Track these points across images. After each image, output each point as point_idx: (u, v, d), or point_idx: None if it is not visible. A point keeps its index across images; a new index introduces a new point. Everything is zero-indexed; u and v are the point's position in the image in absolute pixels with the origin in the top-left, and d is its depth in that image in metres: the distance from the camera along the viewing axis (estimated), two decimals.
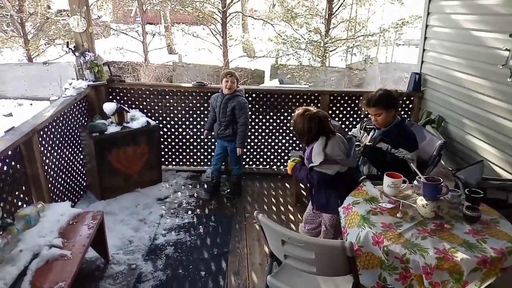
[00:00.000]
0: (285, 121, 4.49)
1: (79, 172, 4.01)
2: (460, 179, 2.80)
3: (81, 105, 4.06)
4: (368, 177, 2.75)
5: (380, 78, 13.06)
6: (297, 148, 4.59)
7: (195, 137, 4.58)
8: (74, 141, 3.87)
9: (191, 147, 4.63)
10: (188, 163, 4.72)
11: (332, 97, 4.42)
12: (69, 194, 3.73)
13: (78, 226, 2.70)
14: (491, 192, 2.61)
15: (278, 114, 4.48)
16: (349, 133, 3.35)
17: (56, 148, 3.47)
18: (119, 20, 18.35)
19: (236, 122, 3.84)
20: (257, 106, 4.46)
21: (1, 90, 12.66)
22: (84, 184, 4.13)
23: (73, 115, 3.87)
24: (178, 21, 17.47)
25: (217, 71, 12.56)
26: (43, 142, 3.22)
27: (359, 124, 3.20)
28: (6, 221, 2.34)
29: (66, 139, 3.70)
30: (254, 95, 4.44)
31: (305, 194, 4.24)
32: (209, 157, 4.66)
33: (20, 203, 2.86)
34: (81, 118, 4.05)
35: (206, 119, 4.42)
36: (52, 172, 3.36)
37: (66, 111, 3.69)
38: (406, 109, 4.44)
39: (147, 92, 4.42)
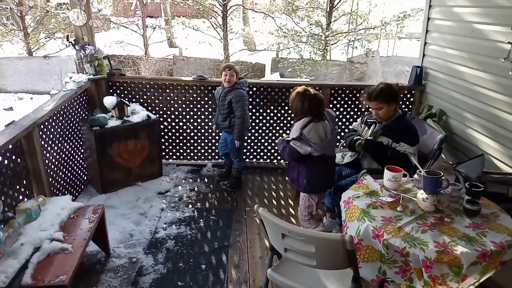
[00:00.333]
0: (285, 114, 4.48)
1: (80, 166, 4.01)
2: (460, 173, 2.80)
3: (81, 99, 4.06)
4: (368, 171, 2.75)
5: (382, 72, 13.02)
6: None
7: (195, 131, 4.57)
8: (75, 135, 3.88)
9: (192, 141, 4.63)
10: (188, 157, 4.72)
11: (333, 91, 4.40)
12: (70, 188, 3.74)
13: (79, 220, 2.71)
14: (491, 185, 2.61)
15: (279, 108, 4.46)
16: (350, 126, 3.35)
17: (56, 142, 3.47)
18: (119, 13, 18.28)
19: (234, 114, 3.84)
20: (257, 100, 4.45)
21: (2, 84, 12.65)
22: (85, 178, 4.13)
23: (74, 109, 3.87)
24: (178, 14, 17.39)
25: (218, 64, 12.52)
26: (44, 136, 3.22)
27: (360, 118, 3.20)
28: (7, 214, 2.35)
29: (67, 133, 3.70)
30: (254, 88, 4.43)
31: None
32: (209, 151, 4.67)
33: (21, 197, 2.87)
34: (81, 112, 4.04)
35: (206, 113, 4.42)
36: (52, 166, 3.36)
37: (66, 105, 3.69)
38: (407, 102, 4.42)
39: (148, 86, 4.42)
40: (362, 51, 13.93)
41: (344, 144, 3.17)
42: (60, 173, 3.53)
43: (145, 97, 4.44)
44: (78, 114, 3.97)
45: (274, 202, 3.97)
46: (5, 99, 11.82)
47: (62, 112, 3.61)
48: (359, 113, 4.42)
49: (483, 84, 3.29)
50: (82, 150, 4.05)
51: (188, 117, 4.52)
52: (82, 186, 4.07)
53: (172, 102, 4.46)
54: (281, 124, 4.54)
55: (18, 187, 2.85)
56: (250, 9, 17.38)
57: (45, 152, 3.21)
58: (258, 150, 4.69)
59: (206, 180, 4.39)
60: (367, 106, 3.00)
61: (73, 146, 3.84)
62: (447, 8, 3.85)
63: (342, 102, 4.45)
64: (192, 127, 4.56)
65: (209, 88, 4.37)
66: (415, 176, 2.42)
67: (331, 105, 4.43)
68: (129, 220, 3.55)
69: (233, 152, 4.12)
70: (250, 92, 4.40)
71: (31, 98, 12.08)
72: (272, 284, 2.59)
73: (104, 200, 3.82)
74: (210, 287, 2.79)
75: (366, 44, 13.98)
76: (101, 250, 3.06)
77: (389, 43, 16.31)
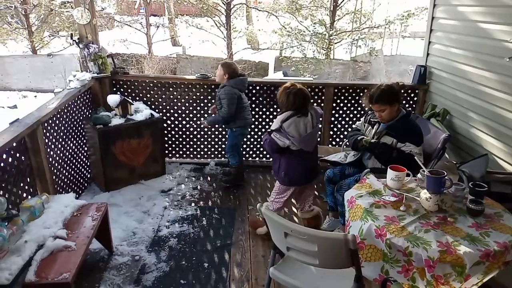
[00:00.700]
0: None
1: (83, 164, 4.03)
2: (464, 173, 2.79)
3: (85, 97, 4.07)
4: (371, 170, 2.74)
5: (385, 71, 12.99)
6: None
7: (198, 129, 4.58)
8: (78, 133, 3.89)
9: (195, 139, 4.64)
10: (191, 156, 4.73)
11: (336, 90, 4.39)
12: (73, 186, 3.76)
13: (82, 218, 2.72)
14: (495, 185, 2.60)
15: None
16: (353, 126, 3.34)
17: (60, 140, 3.48)
18: (123, 12, 18.34)
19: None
20: (260, 99, 4.45)
21: (6, 82, 12.71)
22: (88, 176, 4.15)
23: (77, 107, 3.88)
24: (182, 13, 17.40)
25: None
26: (48, 134, 3.24)
27: (363, 117, 3.19)
28: (11, 212, 2.36)
29: (70, 131, 3.71)
30: (258, 87, 4.43)
31: None
32: (212, 149, 4.67)
33: (25, 195, 2.88)
34: (85, 110, 4.06)
35: (209, 112, 4.42)
36: (56, 164, 3.38)
37: (70, 103, 3.70)
38: (411, 102, 4.41)
39: (151, 84, 4.42)
40: (366, 50, 13.90)
41: (348, 143, 3.16)
42: (64, 171, 3.55)
43: (148, 95, 4.45)
44: (82, 112, 3.98)
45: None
46: (9, 97, 11.87)
47: (66, 110, 3.62)
48: (362, 112, 4.41)
49: (487, 84, 3.28)
50: (86, 148, 4.06)
51: (191, 115, 4.52)
52: (86, 184, 4.09)
53: (175, 100, 4.47)
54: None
55: (22, 184, 2.86)
56: (253, 7, 17.35)
57: (49, 150, 3.23)
58: (261, 149, 4.69)
59: (209, 178, 4.40)
60: (368, 107, 2.99)
61: (76, 144, 3.85)
62: (451, 7, 3.83)
63: (346, 101, 4.44)
64: (195, 126, 4.56)
65: (212, 86, 4.37)
66: (419, 175, 2.41)
67: (334, 104, 4.42)
68: (132, 218, 3.56)
69: (227, 148, 4.15)
70: (253, 91, 4.40)
71: (35, 96, 12.13)
72: (274, 282, 2.59)
73: (107, 198, 3.83)
74: (212, 285, 2.80)
75: (370, 43, 13.94)
76: (104, 248, 3.07)
77: (393, 42, 16.27)
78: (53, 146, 3.33)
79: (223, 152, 4.63)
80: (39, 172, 3.05)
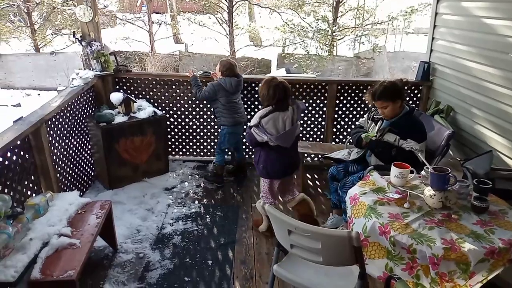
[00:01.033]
0: None
1: (87, 162, 4.04)
2: (468, 170, 2.78)
3: (88, 95, 4.08)
4: (375, 167, 2.74)
5: (389, 67, 12.93)
6: (303, 139, 4.58)
7: (201, 127, 4.58)
8: (82, 131, 3.90)
9: (198, 137, 4.64)
10: (194, 153, 4.73)
11: (339, 87, 4.38)
12: (77, 184, 3.77)
13: (86, 215, 2.73)
14: (499, 182, 2.60)
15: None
16: (356, 123, 3.33)
17: (64, 138, 3.49)
18: (125, 10, 18.34)
19: (214, 102, 3.95)
20: None
21: (9, 81, 12.75)
22: (92, 173, 4.16)
23: (81, 105, 3.89)
24: (184, 10, 17.39)
25: None
26: (51, 132, 3.25)
27: (367, 114, 3.18)
28: (16, 210, 2.37)
29: (74, 129, 3.72)
30: (260, 84, 4.40)
31: (312, 184, 4.25)
32: (215, 147, 4.66)
33: (29, 193, 2.90)
34: (88, 108, 4.06)
35: (212, 109, 4.42)
36: (60, 162, 3.39)
37: (73, 101, 3.71)
38: (415, 98, 4.39)
39: (154, 82, 4.42)
40: (369, 46, 13.85)
41: (351, 140, 3.15)
42: (68, 169, 3.56)
43: (151, 93, 4.45)
44: (85, 110, 3.99)
45: (280, 198, 3.95)
46: (13, 96, 11.91)
47: (69, 108, 3.63)
48: (365, 109, 4.40)
49: (491, 80, 3.26)
50: (89, 146, 4.08)
51: (194, 113, 4.52)
52: (90, 182, 4.10)
53: (178, 98, 4.47)
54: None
55: (26, 182, 2.88)
56: (256, 4, 17.31)
57: (52, 148, 3.24)
58: None
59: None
60: (370, 104, 2.98)
61: (80, 142, 3.86)
62: (455, 3, 3.81)
63: (349, 98, 4.42)
64: (198, 123, 4.56)
65: None
66: (422, 172, 2.40)
67: (337, 101, 4.41)
68: (136, 215, 3.57)
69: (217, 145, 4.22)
70: (256, 88, 4.39)
71: (39, 94, 12.17)
72: (278, 280, 2.59)
73: (111, 195, 3.84)
74: (216, 282, 2.80)
75: (373, 39, 13.89)
76: (109, 245, 3.08)
77: (396, 38, 16.18)
78: (56, 144, 3.34)
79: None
80: (43, 170, 3.06)
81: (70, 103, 3.63)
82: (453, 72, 3.83)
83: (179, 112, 4.53)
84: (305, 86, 4.40)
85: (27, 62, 12.74)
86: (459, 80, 3.72)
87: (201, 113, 4.51)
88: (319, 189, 4.13)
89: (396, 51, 14.65)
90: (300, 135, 4.58)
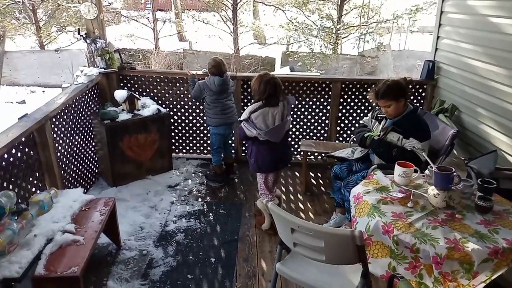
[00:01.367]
0: (295, 109, 4.46)
1: (91, 159, 4.05)
2: (472, 169, 2.76)
3: (92, 93, 4.09)
4: (379, 166, 2.73)
5: (393, 66, 12.89)
6: (307, 137, 4.58)
7: (205, 125, 4.58)
8: (86, 128, 3.91)
9: (201, 135, 4.64)
10: (198, 151, 4.74)
11: (344, 85, 4.37)
12: (81, 181, 3.79)
13: (90, 212, 2.74)
14: (504, 182, 2.58)
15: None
16: (360, 121, 3.32)
17: (68, 135, 3.51)
18: (129, 7, 18.33)
19: (203, 101, 4.03)
20: None
21: (14, 78, 12.81)
22: (96, 170, 4.18)
23: (85, 102, 3.90)
24: (188, 8, 17.36)
25: (227, 58, 12.49)
26: (56, 129, 3.26)
27: (371, 113, 3.17)
28: (21, 206, 2.39)
29: (78, 126, 3.73)
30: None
31: (315, 183, 4.24)
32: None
33: (33, 189, 2.92)
34: (92, 105, 4.08)
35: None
36: (64, 159, 3.40)
37: (78, 98, 3.72)
38: (419, 97, 4.38)
39: (158, 80, 4.43)
40: (374, 45, 13.78)
41: (355, 139, 3.14)
42: (72, 166, 3.58)
43: (155, 90, 4.46)
44: (89, 108, 4.00)
45: (284, 196, 3.96)
46: (18, 92, 11.97)
47: (73, 106, 3.64)
48: (369, 107, 4.39)
49: (497, 79, 3.24)
50: (94, 143, 4.09)
51: (198, 111, 4.52)
52: (94, 179, 4.12)
53: (182, 95, 4.47)
54: (291, 119, 4.51)
55: (31, 179, 2.90)
56: (260, 2, 17.25)
57: (57, 145, 3.25)
58: None
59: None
60: (374, 103, 2.97)
61: (84, 139, 3.88)
62: (460, 1, 3.78)
63: (353, 97, 4.41)
64: (202, 121, 4.56)
65: None
66: (426, 172, 2.39)
67: (341, 100, 4.40)
68: (139, 213, 3.58)
69: None
70: None
71: (43, 91, 12.22)
72: (281, 278, 2.59)
73: (115, 193, 3.86)
74: (219, 280, 2.81)
75: (378, 37, 13.81)
76: (112, 242, 3.10)
77: (401, 36, 16.11)
78: (61, 141, 3.36)
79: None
80: (47, 167, 3.08)
81: (74, 100, 3.65)
82: (458, 71, 3.81)
83: (182, 110, 4.54)
84: (309, 84, 4.39)
85: (32, 59, 12.80)
86: (464, 79, 3.70)
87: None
88: (322, 188, 4.13)
89: (401, 50, 14.60)
90: (304, 133, 4.58)
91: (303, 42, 13.81)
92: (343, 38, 14.06)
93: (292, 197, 3.97)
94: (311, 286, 2.08)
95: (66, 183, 3.41)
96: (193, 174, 4.38)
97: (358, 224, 2.18)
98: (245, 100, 4.46)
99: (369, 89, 4.30)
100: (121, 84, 4.42)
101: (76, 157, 3.68)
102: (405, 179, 2.36)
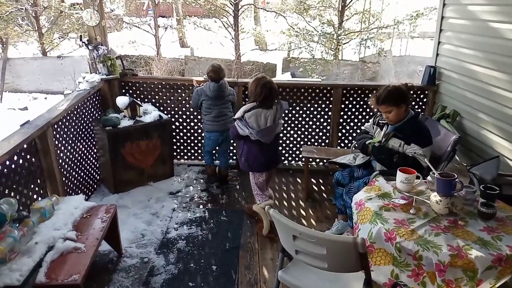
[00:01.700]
0: (296, 115, 4.46)
1: (93, 166, 4.05)
2: (475, 175, 2.75)
3: (94, 99, 4.10)
4: (381, 172, 2.72)
5: (394, 72, 12.91)
6: (308, 143, 4.57)
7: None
8: (88, 135, 3.92)
9: (203, 141, 4.62)
10: (200, 158, 4.73)
11: (345, 91, 4.37)
12: (82, 188, 3.79)
13: (91, 219, 2.74)
14: (507, 188, 2.56)
15: (290, 109, 4.44)
16: (362, 127, 3.31)
17: (70, 141, 3.51)
18: (131, 13, 18.46)
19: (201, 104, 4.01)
20: None
21: (17, 84, 12.88)
22: (98, 177, 4.18)
23: (87, 108, 3.91)
24: (190, 14, 17.47)
25: (229, 64, 12.55)
26: (58, 136, 3.27)
27: (372, 119, 3.16)
28: (22, 213, 2.39)
29: (80, 132, 3.74)
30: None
31: (317, 189, 4.23)
32: None
33: (35, 196, 2.91)
34: (94, 112, 4.09)
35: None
36: (66, 166, 3.40)
37: (79, 105, 3.73)
38: (420, 103, 4.37)
39: (159, 86, 4.44)
40: (375, 50, 13.84)
41: (356, 145, 3.14)
42: (74, 173, 3.58)
43: (157, 97, 4.47)
44: (91, 114, 4.01)
45: (285, 203, 3.95)
46: (20, 99, 12.03)
47: (75, 112, 3.65)
48: (371, 113, 4.38)
49: (498, 84, 3.23)
50: (95, 150, 4.09)
51: (199, 117, 4.52)
52: (95, 186, 4.12)
53: (183, 102, 4.48)
54: (292, 125, 4.52)
55: (32, 186, 2.89)
56: (261, 8, 17.36)
57: (58, 151, 3.26)
58: None
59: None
60: (375, 109, 2.97)
61: (86, 145, 3.88)
62: (461, 7, 3.79)
63: (354, 103, 4.41)
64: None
65: None
66: (429, 178, 2.38)
67: (342, 106, 4.40)
68: (141, 220, 3.57)
69: None
70: None
71: (45, 98, 12.28)
72: (283, 286, 2.57)
73: (117, 199, 3.85)
74: None
75: (379, 43, 13.88)
76: (113, 249, 3.09)
77: (402, 42, 16.17)
78: (63, 148, 3.36)
79: (231, 154, 4.64)
80: (49, 174, 3.08)
81: (76, 107, 3.65)
82: (459, 76, 3.81)
83: (184, 116, 4.54)
84: (310, 90, 4.39)
85: (34, 65, 12.88)
86: (466, 85, 3.69)
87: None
88: (324, 194, 4.11)
89: (402, 55, 14.64)
90: (306, 139, 4.58)
91: (304, 48, 13.87)
92: (344, 44, 14.12)
93: (293, 203, 3.95)
94: None
95: (68, 190, 3.41)
96: (194, 181, 4.37)
97: (360, 231, 2.17)
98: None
99: (370, 95, 4.30)
100: (123, 91, 4.43)
101: (78, 163, 3.68)
102: (407, 186, 2.35)
